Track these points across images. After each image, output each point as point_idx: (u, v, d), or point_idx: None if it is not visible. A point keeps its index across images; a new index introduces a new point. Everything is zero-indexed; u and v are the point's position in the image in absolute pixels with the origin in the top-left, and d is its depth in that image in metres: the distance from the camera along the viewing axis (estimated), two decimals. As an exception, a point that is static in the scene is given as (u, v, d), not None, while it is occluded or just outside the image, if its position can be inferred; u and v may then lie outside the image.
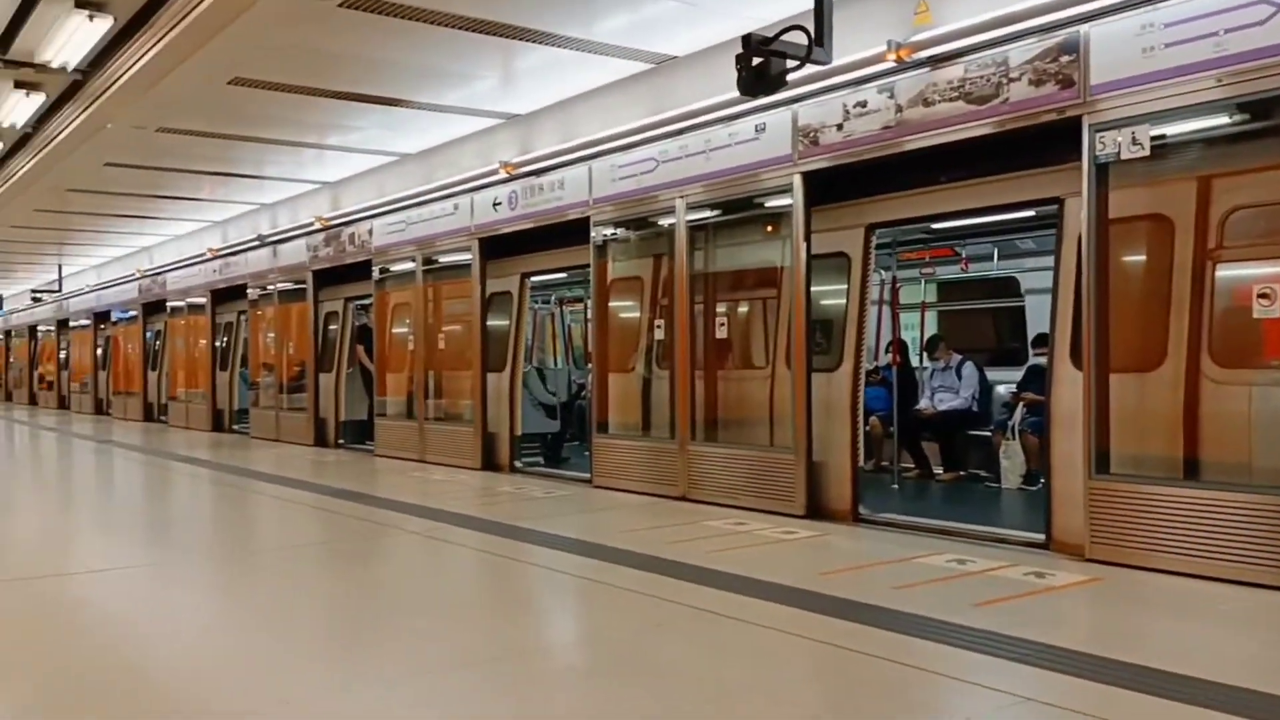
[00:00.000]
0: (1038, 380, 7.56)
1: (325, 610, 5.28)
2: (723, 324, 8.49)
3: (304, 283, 14.97)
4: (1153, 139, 5.55)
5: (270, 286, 16.08)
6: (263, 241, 16.02)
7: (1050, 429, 6.26)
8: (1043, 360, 7.12)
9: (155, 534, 8.12)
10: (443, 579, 6.07)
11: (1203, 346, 5.49)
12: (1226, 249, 5.49)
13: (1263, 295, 5.20)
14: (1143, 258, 5.89)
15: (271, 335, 16.28)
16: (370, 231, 13.08)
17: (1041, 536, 6.17)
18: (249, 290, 16.75)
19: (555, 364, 14.53)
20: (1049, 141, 6.09)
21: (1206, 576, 5.21)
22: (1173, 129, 5.54)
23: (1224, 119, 5.43)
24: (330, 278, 14.55)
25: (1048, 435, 6.31)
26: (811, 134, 7.36)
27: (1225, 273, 5.49)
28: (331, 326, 14.88)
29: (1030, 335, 9.58)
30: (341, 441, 14.24)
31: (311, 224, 14.36)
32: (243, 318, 17.57)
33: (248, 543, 7.73)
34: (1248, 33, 5.14)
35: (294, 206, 15.20)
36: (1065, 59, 5.88)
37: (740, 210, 8.23)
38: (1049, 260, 7.14)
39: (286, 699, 3.73)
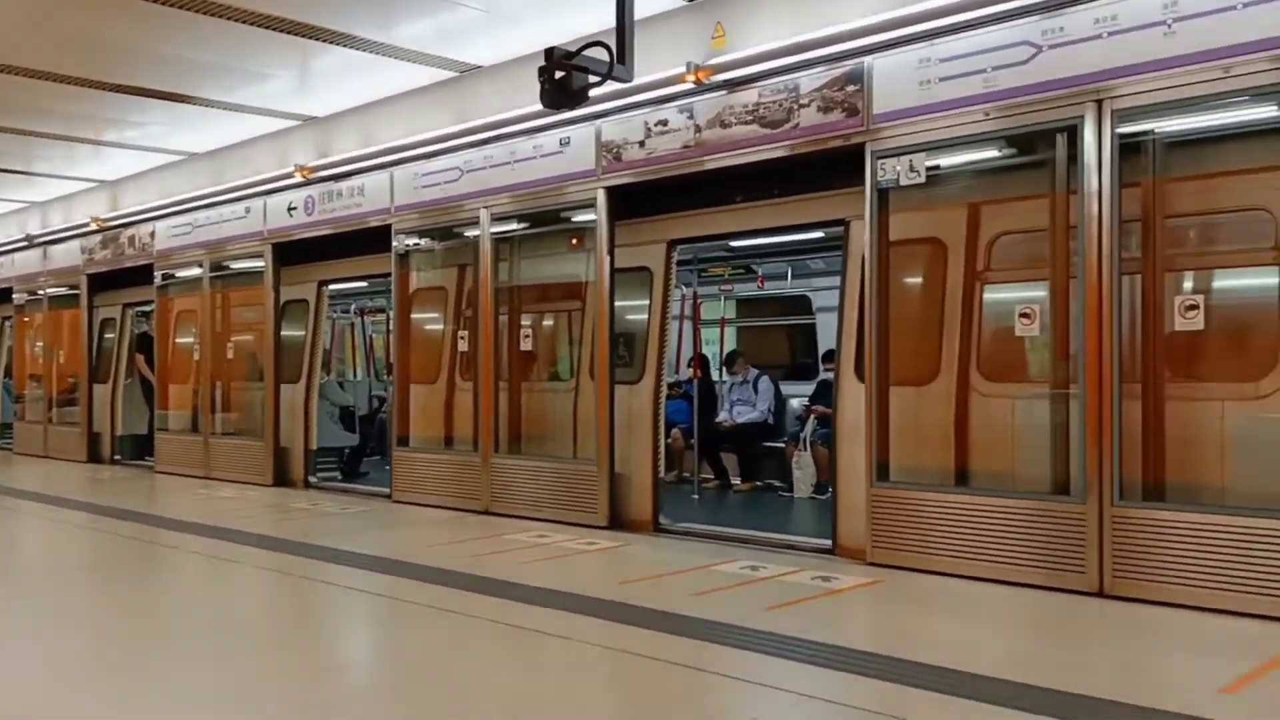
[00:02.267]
0: (827, 394, 7.93)
1: (93, 636, 4.90)
2: (528, 336, 8.47)
3: (78, 287, 13.94)
4: (928, 168, 5.93)
5: (40, 291, 14.88)
6: (31, 242, 14.80)
7: (836, 440, 6.57)
8: (832, 375, 7.47)
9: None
10: (227, 601, 5.75)
11: (972, 362, 5.91)
12: (993, 271, 5.93)
13: (1024, 315, 5.64)
14: (919, 278, 6.29)
15: (40, 344, 15.05)
16: (153, 234, 12.32)
17: (829, 542, 6.46)
18: (14, 294, 15.45)
19: (355, 375, 14.10)
20: (836, 166, 6.41)
21: (975, 577, 5.59)
22: (946, 159, 5.94)
23: (992, 150, 5.87)
24: (107, 282, 13.61)
25: (835, 446, 6.62)
26: (615, 150, 7.46)
27: (992, 294, 5.94)
28: (108, 334, 13.89)
29: (821, 351, 10.04)
30: (118, 457, 13.31)
31: (87, 224, 13.38)
32: (7, 324, 16.18)
33: (6, 564, 7.08)
34: (1014, 70, 5.58)
35: (68, 205, 14.11)
36: (851, 88, 6.21)
37: (545, 223, 8.25)
38: (838, 280, 7.51)
39: (43, 737, 3.44)
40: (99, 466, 13.13)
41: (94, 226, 13.26)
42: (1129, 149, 5.28)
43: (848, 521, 6.34)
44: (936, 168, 5.94)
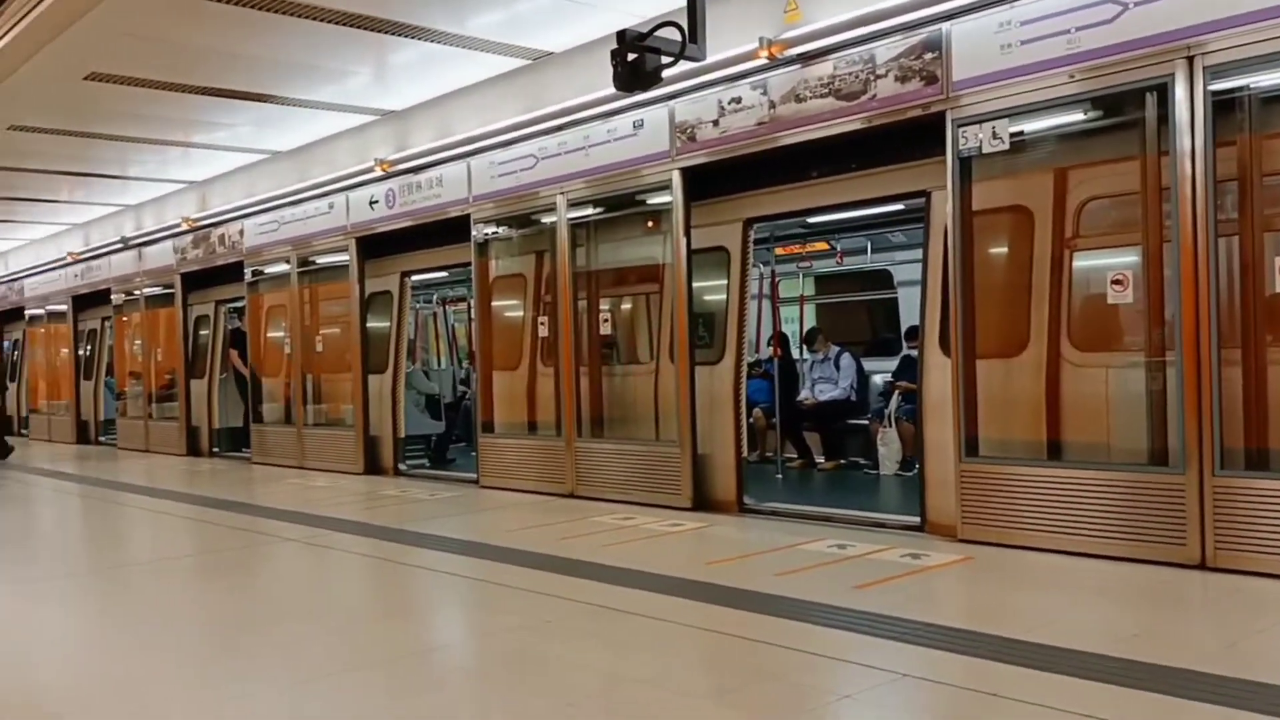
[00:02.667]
0: (911, 369, 7.81)
1: (208, 620, 5.09)
2: (606, 320, 8.52)
3: (172, 286, 14.42)
4: (1011, 134, 5.78)
5: (136, 291, 15.43)
6: (126, 244, 15.35)
7: (923, 416, 6.47)
8: (915, 350, 7.36)
9: (18, 552, 7.69)
10: (327, 585, 5.93)
11: (1062, 332, 5.76)
12: (1082, 238, 5.76)
13: (1116, 281, 5.48)
14: (1005, 248, 6.15)
15: (138, 342, 15.63)
16: (241, 232, 12.67)
17: (917, 519, 6.37)
18: (113, 295, 16.04)
19: (439, 364, 14.34)
20: (915, 136, 6.29)
21: (1070, 552, 5.46)
22: (1030, 124, 5.78)
23: (1078, 113, 5.70)
24: (200, 280, 14.06)
25: (921, 422, 6.53)
26: (689, 130, 7.43)
27: (1082, 262, 5.77)
28: (202, 331, 14.36)
29: (903, 326, 9.89)
30: (216, 450, 13.77)
31: (179, 225, 13.82)
32: (107, 324, 16.81)
33: (118, 557, 7.39)
34: (1098, 30, 5.40)
35: (160, 207, 14.60)
36: (929, 56, 6.09)
37: (621, 206, 8.27)
38: (919, 253, 7.38)
39: (165, 715, 3.59)
40: (197, 459, 13.60)
41: (185, 226, 13.69)
42: (1222, 106, 5.08)
43: (936, 498, 6.25)
44: (1020, 134, 5.79)
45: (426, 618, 5.27)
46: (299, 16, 7.48)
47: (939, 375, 6.26)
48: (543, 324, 8.87)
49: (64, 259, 17.22)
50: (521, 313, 9.44)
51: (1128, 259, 5.48)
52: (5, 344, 20.81)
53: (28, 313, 19.30)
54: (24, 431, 19.51)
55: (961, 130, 5.94)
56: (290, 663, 4.19)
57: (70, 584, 6.23)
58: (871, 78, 6.37)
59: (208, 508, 8.89)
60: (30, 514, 10.05)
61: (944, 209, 6.11)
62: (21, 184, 13.55)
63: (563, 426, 8.51)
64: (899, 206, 7.99)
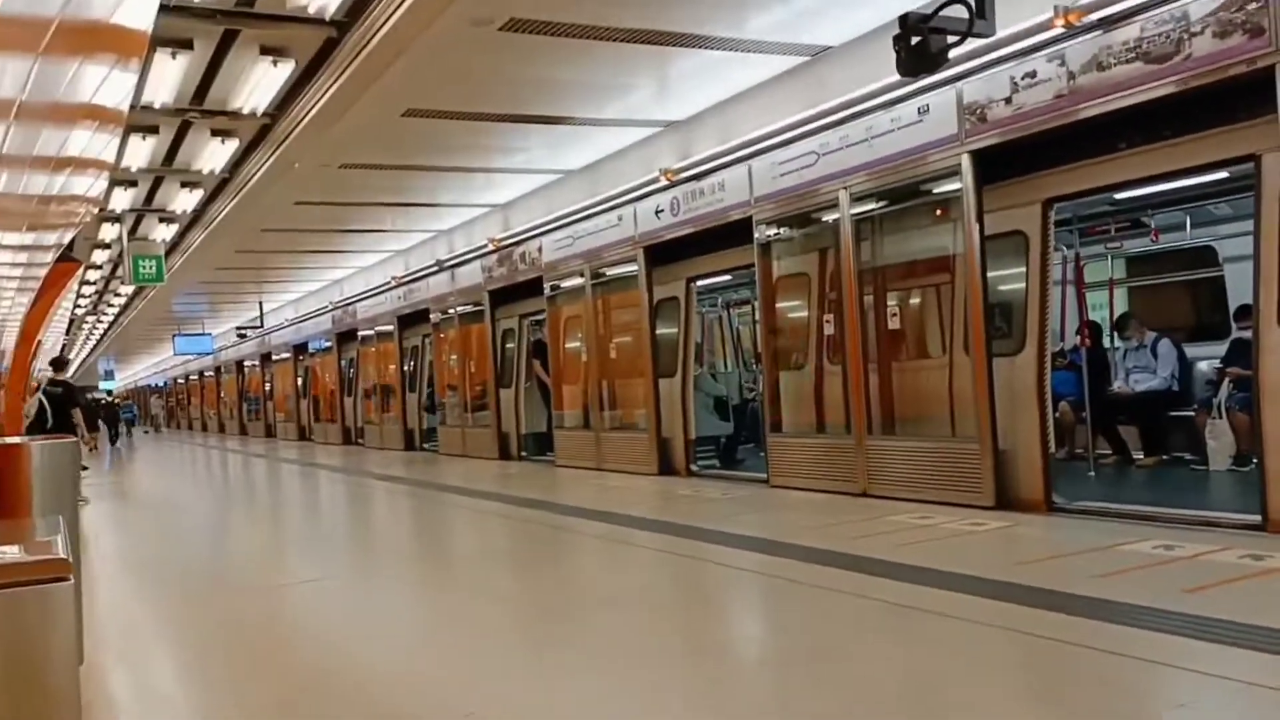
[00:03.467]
0: (1244, 354, 7.05)
1: (522, 607, 5.45)
2: (894, 314, 8.30)
3: (481, 303, 15.54)
4: (1361, 81, 5.10)
5: (450, 309, 16.76)
6: (440, 266, 16.72)
7: (1260, 403, 5.82)
8: (1248, 334, 6.64)
9: (360, 545, 8.59)
10: (628, 579, 6.16)
11: None
12: None
13: None
14: (1357, 210, 5.42)
15: (454, 356, 16.97)
16: (540, 249, 13.45)
17: (1257, 518, 5.73)
18: (431, 314, 17.52)
19: (726, 366, 14.55)
20: (1238, 96, 5.69)
21: None
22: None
23: None
24: (505, 296, 15.05)
25: (1258, 411, 5.87)
26: (978, 110, 7.11)
27: None
28: (509, 344, 15.37)
29: (1232, 307, 8.94)
30: (523, 454, 14.68)
31: (485, 246, 14.90)
32: (426, 341, 18.36)
33: (446, 550, 8.07)
34: None
35: (469, 230, 15.82)
36: (1253, 6, 5.48)
37: (906, 198, 8.03)
38: (1248, 225, 6.65)
39: (499, 696, 3.88)
40: (507, 463, 14.57)
41: (491, 247, 14.74)
42: None
43: (1279, 494, 5.59)
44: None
45: (723, 612, 5.36)
46: (586, 38, 7.86)
47: (1278, 357, 5.60)
48: (828, 321, 8.78)
49: (389, 283, 19.02)
50: (806, 312, 9.40)
51: None
52: (342, 362, 23.26)
53: (360, 334, 21.46)
54: (360, 440, 21.71)
55: (1298, 82, 5.30)
56: (608, 649, 4.40)
57: (408, 570, 6.87)
58: (1185, 36, 5.82)
59: (519, 506, 9.51)
60: (369, 514, 11.18)
61: (1278, 173, 5.47)
62: (351, 217, 15.14)
63: (853, 424, 8.38)
64: (1222, 174, 7.24)
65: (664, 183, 10.53)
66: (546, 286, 13.43)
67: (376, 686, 4.02)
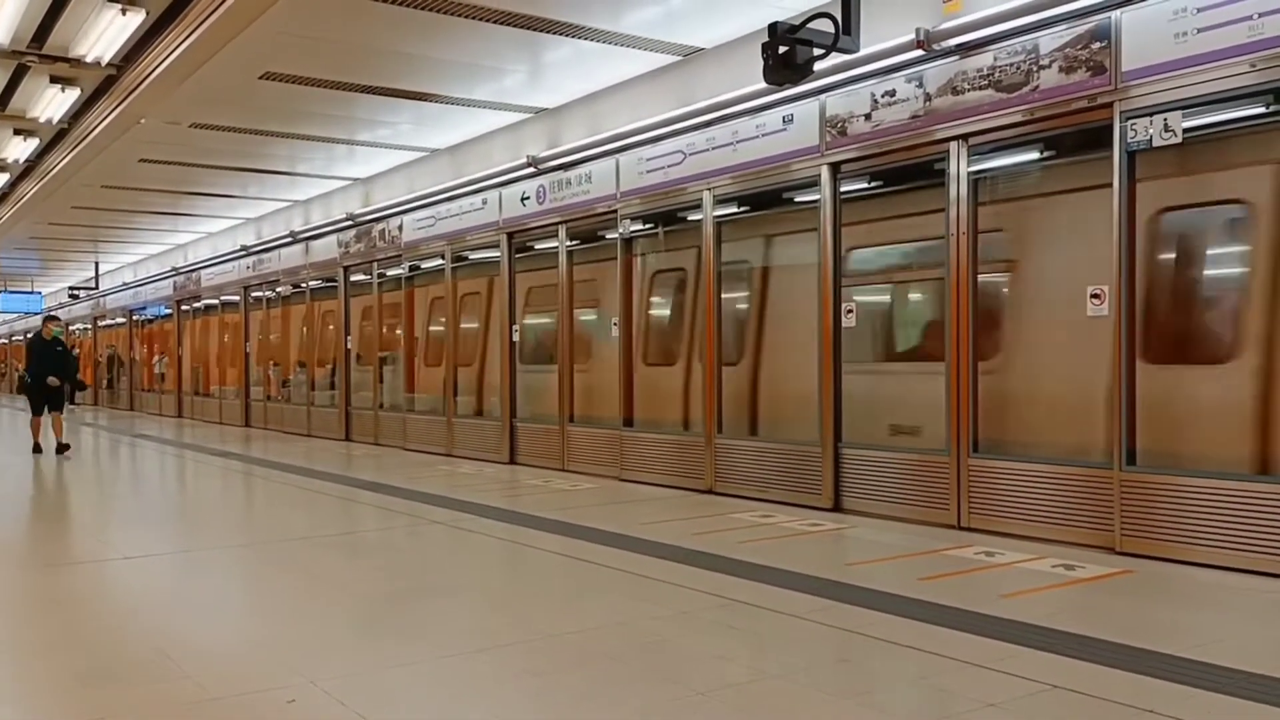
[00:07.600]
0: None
1: (353, 596, 5.32)
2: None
3: (336, 279, 15.11)
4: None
5: (303, 283, 16.21)
6: (295, 238, 16.15)
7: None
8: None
9: (188, 522, 8.21)
10: (463, 563, 6.08)
11: None
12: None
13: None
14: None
15: (304, 330, 16.42)
16: (400, 227, 13.16)
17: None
18: (280, 286, 16.91)
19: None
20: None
21: None
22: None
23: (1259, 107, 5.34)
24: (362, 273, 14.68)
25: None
26: (839, 124, 7.28)
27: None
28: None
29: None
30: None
31: (343, 219, 14.48)
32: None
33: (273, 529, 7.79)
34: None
35: (326, 202, 15.34)
36: (1096, 45, 5.81)
37: (769, 204, 8.23)
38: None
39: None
40: (352, 444, 14.22)
41: (349, 222, 14.33)
42: None
43: None
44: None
45: (566, 602, 5.35)
46: (460, 16, 7.71)
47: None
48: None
49: (238, 250, 18.28)
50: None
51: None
52: (181, 330, 22.24)
53: (203, 301, 20.56)
54: (196, 414, 20.82)
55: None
56: (428, 639, 4.32)
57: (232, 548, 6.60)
58: (1034, 68, 6.13)
59: (326, 482, 9.30)
60: (201, 495, 10.69)
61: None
62: (200, 179, 14.46)
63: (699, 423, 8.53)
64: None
65: (531, 170, 10.45)
66: (405, 266, 13.16)
67: (192, 663, 3.84)
